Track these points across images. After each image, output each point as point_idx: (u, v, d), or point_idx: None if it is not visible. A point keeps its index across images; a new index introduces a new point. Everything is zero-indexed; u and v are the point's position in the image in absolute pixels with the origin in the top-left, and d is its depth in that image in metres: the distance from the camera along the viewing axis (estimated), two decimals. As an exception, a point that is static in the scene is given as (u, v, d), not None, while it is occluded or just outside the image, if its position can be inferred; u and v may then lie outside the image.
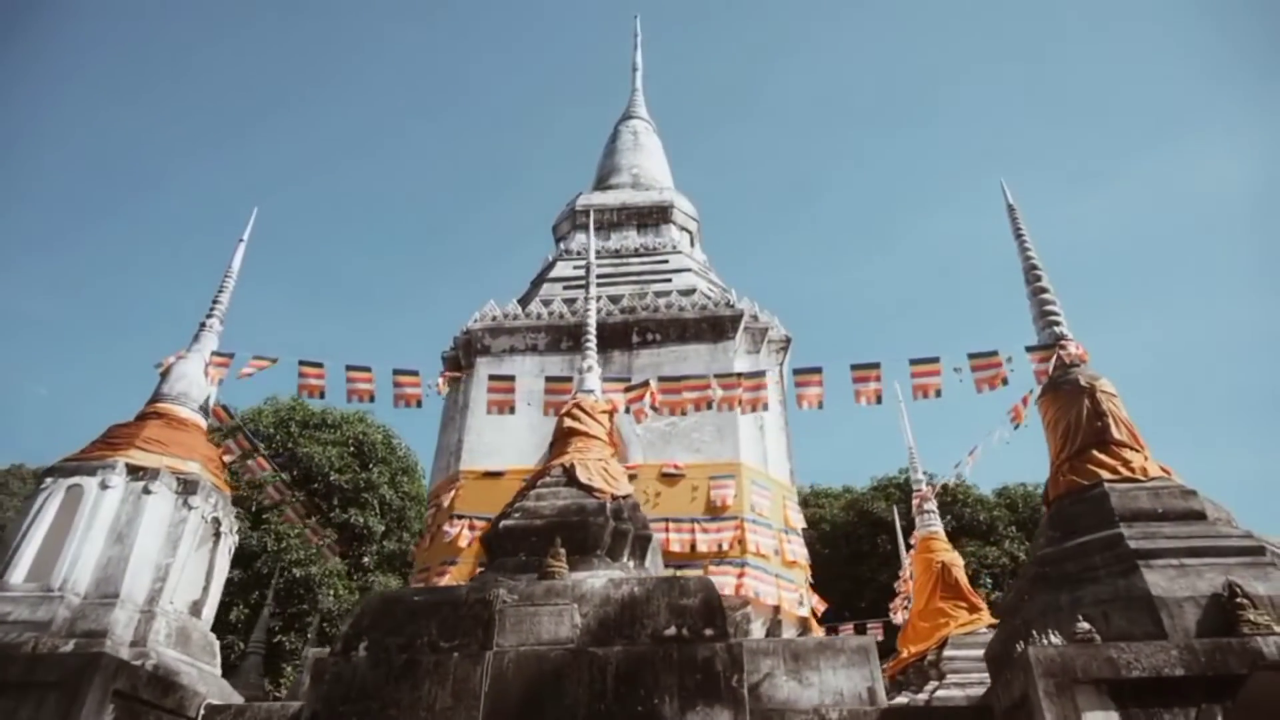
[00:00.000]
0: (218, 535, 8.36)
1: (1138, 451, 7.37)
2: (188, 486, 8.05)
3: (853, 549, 29.48)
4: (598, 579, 6.35)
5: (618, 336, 11.62)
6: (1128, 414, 7.74)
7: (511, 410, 9.24)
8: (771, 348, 12.00)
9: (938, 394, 8.76)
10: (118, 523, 7.53)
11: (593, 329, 9.13)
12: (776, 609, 9.63)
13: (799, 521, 10.48)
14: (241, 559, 22.25)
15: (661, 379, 9.14)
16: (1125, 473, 7.08)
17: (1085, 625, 5.83)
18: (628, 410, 8.81)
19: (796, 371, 9.47)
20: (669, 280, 12.74)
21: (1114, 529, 6.57)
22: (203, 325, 9.58)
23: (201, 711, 6.97)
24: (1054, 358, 8.22)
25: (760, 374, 9.42)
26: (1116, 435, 7.43)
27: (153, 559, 7.59)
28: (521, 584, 6.37)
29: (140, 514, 7.61)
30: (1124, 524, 6.61)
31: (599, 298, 12.25)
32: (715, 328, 11.50)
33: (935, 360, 8.68)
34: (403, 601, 6.37)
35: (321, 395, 9.48)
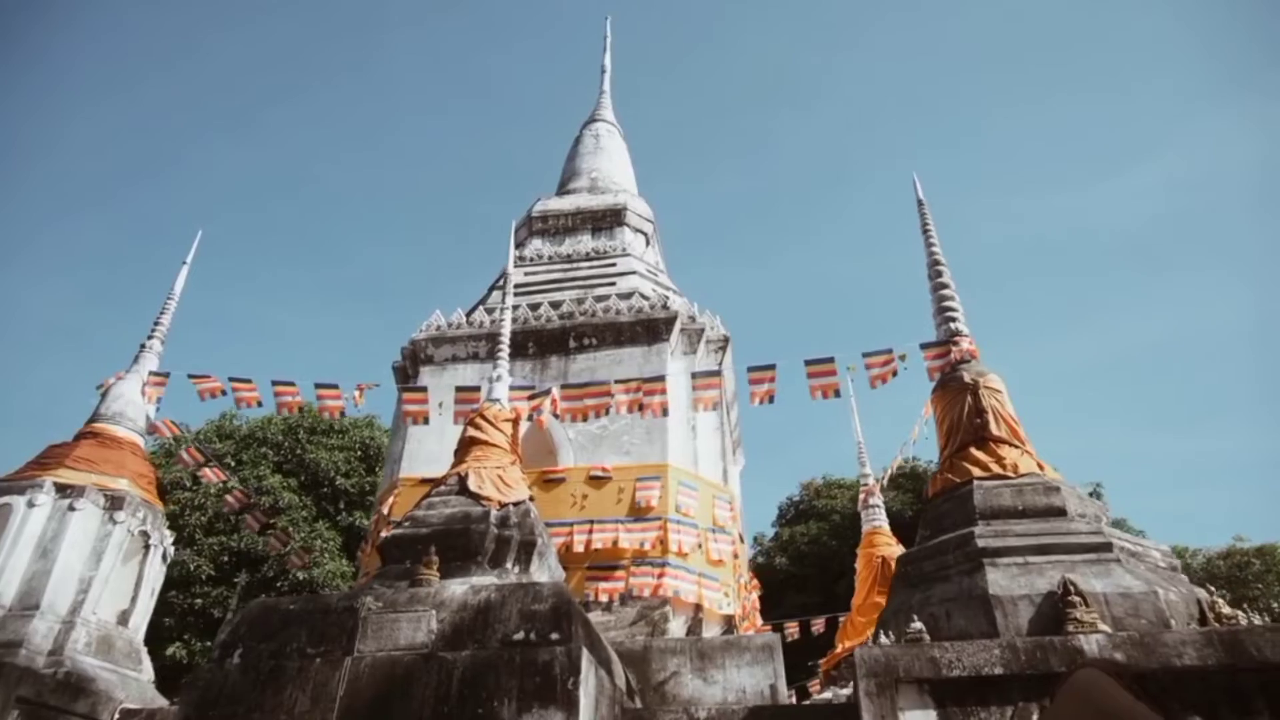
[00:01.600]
0: (147, 547, 8.82)
1: (1016, 448, 7.38)
2: (114, 502, 8.52)
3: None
4: (460, 586, 6.62)
5: (556, 342, 11.86)
6: (1012, 409, 7.74)
7: (425, 420, 9.55)
8: (710, 348, 12.12)
9: (835, 394, 8.84)
10: (43, 539, 8.03)
11: (506, 338, 9.38)
12: (698, 607, 9.80)
13: (728, 521, 10.60)
14: (250, 562, 23.18)
15: (565, 386, 9.37)
16: (996, 470, 7.11)
17: (918, 625, 5.92)
18: (530, 418, 9.06)
19: (751, 369, 9.66)
20: (613, 284, 12.92)
21: (971, 527, 6.63)
22: (143, 346, 10.08)
23: (116, 715, 7.41)
24: (949, 354, 8.25)
25: (660, 378, 9.59)
26: (995, 432, 7.44)
27: (76, 572, 8.08)
28: (390, 591, 6.67)
29: (65, 530, 8.10)
30: (982, 522, 6.66)
31: (540, 304, 12.55)
32: (650, 330, 11.66)
33: (830, 360, 8.77)
34: (278, 610, 6.71)
35: (259, 404, 9.95)
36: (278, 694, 6.11)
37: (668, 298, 12.17)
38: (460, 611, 6.37)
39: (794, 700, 11.94)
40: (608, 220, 14.70)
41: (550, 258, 14.13)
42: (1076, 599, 5.74)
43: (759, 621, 11.86)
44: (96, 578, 8.13)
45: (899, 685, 5.53)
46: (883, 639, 5.93)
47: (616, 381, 9.57)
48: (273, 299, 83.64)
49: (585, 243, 14.39)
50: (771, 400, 9.55)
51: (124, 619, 8.41)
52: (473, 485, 7.82)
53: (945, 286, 8.80)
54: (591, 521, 10.14)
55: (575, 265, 13.78)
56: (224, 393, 9.81)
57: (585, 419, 9.61)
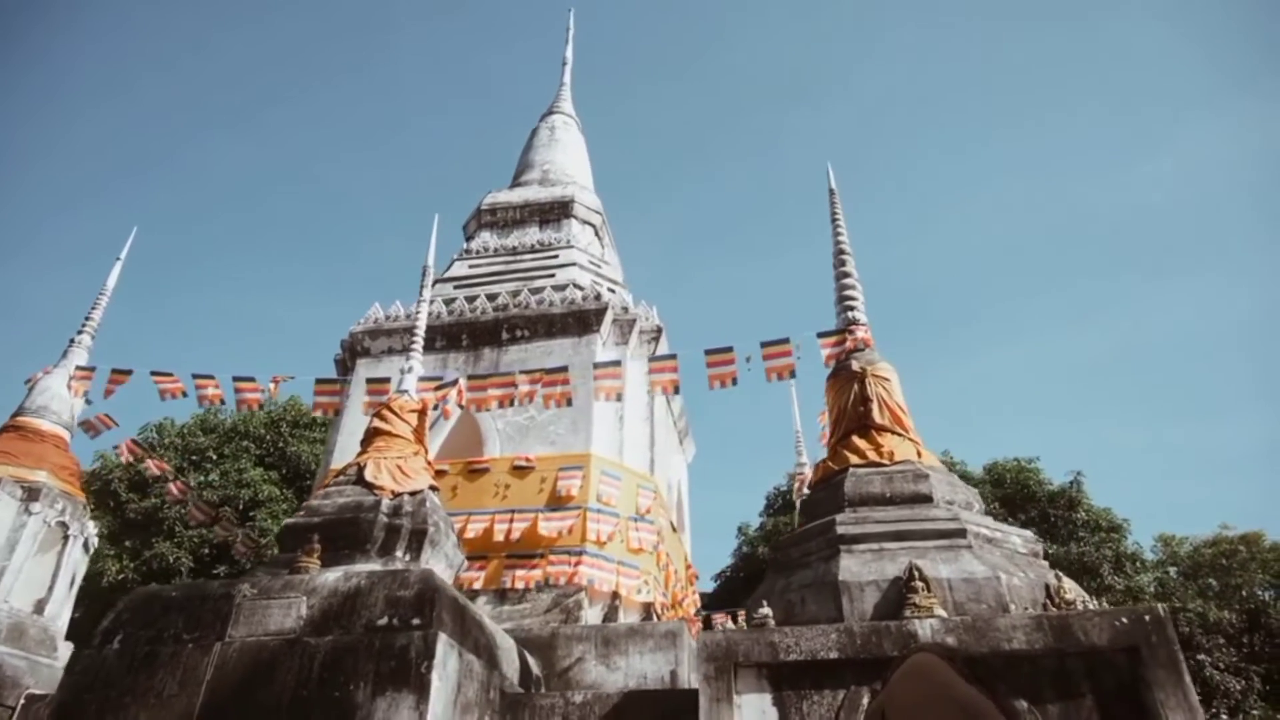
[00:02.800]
0: (66, 538, 9.03)
1: (899, 435, 7.42)
2: (30, 494, 8.73)
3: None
4: (335, 573, 6.76)
5: (489, 334, 11.97)
6: (900, 398, 7.78)
7: (337, 412, 9.71)
8: (643, 338, 12.19)
9: (734, 382, 8.91)
10: (-44, 530, 8.23)
11: (420, 332, 9.52)
12: (615, 595, 9.91)
13: (654, 509, 10.70)
14: (230, 556, 23.51)
15: (471, 377, 9.49)
16: (873, 457, 7.16)
17: (765, 610, 6.00)
18: (437, 407, 9.19)
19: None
20: (552, 275, 13.02)
21: (838, 514, 6.69)
22: (72, 341, 10.27)
23: (21, 701, 7.63)
24: (844, 343, 8.29)
25: (562, 369, 9.68)
26: (878, 420, 7.49)
27: (-10, 561, 8.28)
28: (268, 579, 6.82)
29: (-23, 521, 8.30)
30: (849, 509, 6.73)
31: (477, 297, 12.67)
32: (581, 321, 11.75)
33: (729, 350, 8.83)
34: (160, 597, 6.88)
35: (184, 395, 10.13)
36: (150, 678, 6.28)
37: (600, 290, 12.25)
38: (330, 598, 6.51)
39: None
40: (555, 212, 14.78)
41: (496, 250, 14.24)
42: (919, 584, 5.80)
43: (692, 610, 11.97)
44: (9, 568, 8.35)
45: (738, 669, 5.62)
46: (728, 625, 6.01)
47: (521, 371, 9.69)
48: (273, 294, 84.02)
49: (532, 235, 14.49)
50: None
51: (39, 608, 8.61)
52: (368, 475, 7.96)
53: (848, 275, 8.83)
54: (513, 511, 10.27)
55: (519, 258, 13.88)
56: (184, 394, 9.99)
57: (489, 409, 9.74)
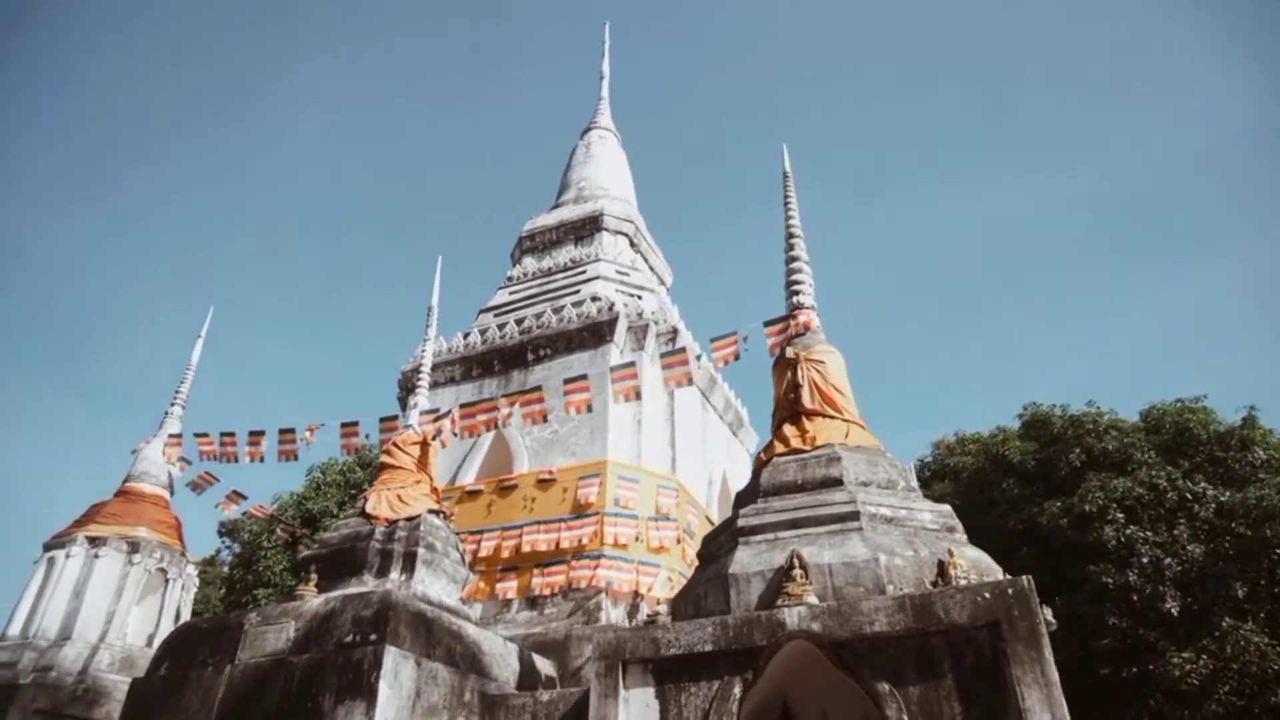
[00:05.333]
0: (166, 581, 10.74)
1: (830, 418, 7.35)
2: (132, 547, 10.49)
3: (985, 496, 27.66)
4: (319, 598, 7.72)
5: (516, 357, 12.74)
6: (838, 379, 7.67)
7: (357, 452, 10.79)
8: (660, 340, 12.47)
9: (690, 381, 9.06)
10: (77, 583, 10.10)
11: (426, 369, 10.44)
12: (636, 594, 10.32)
13: (672, 508, 10.99)
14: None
15: (463, 406, 10.22)
16: (796, 444, 7.15)
17: (660, 609, 6.26)
18: (436, 437, 9.98)
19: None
20: (578, 292, 13.60)
21: (744, 507, 6.79)
22: (166, 414, 12.12)
23: None
24: (788, 330, 8.27)
25: (535, 389, 10.17)
26: (808, 405, 7.45)
27: (103, 606, 10.08)
28: (272, 607, 7.90)
29: (92, 574, 10.14)
30: (761, 499, 6.80)
31: (507, 323, 13.49)
32: (595, 334, 12.25)
33: (682, 351, 9.00)
34: (196, 629, 8.15)
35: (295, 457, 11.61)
36: (180, 697, 7.50)
37: (615, 301, 12.68)
38: (311, 620, 7.46)
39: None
40: (587, 228, 15.36)
41: (533, 274, 15.03)
42: (798, 572, 5.84)
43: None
44: (119, 609, 10.10)
45: (626, 665, 5.93)
46: (621, 623, 6.31)
47: (504, 395, 10.34)
48: (343, 341, 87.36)
49: (565, 254, 15.15)
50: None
51: (150, 641, 10.32)
52: (369, 507, 8.91)
53: (796, 260, 8.75)
54: (539, 522, 10.95)
55: (552, 278, 14.59)
56: (236, 457, 11.51)
57: (476, 434, 10.45)
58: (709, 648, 5.70)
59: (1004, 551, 25.05)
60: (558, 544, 10.69)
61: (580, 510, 10.85)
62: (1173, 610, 17.39)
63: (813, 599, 5.67)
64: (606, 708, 5.80)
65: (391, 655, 6.82)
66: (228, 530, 32.78)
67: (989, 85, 76.28)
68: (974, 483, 29.02)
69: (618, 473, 11.03)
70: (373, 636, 7.03)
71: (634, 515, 10.77)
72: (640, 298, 13.53)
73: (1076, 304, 68.25)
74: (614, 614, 10.31)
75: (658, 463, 11.51)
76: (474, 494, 11.70)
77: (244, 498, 12.90)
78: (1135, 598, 18.06)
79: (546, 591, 10.49)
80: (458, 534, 11.15)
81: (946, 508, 6.50)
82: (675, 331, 12.49)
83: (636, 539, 10.63)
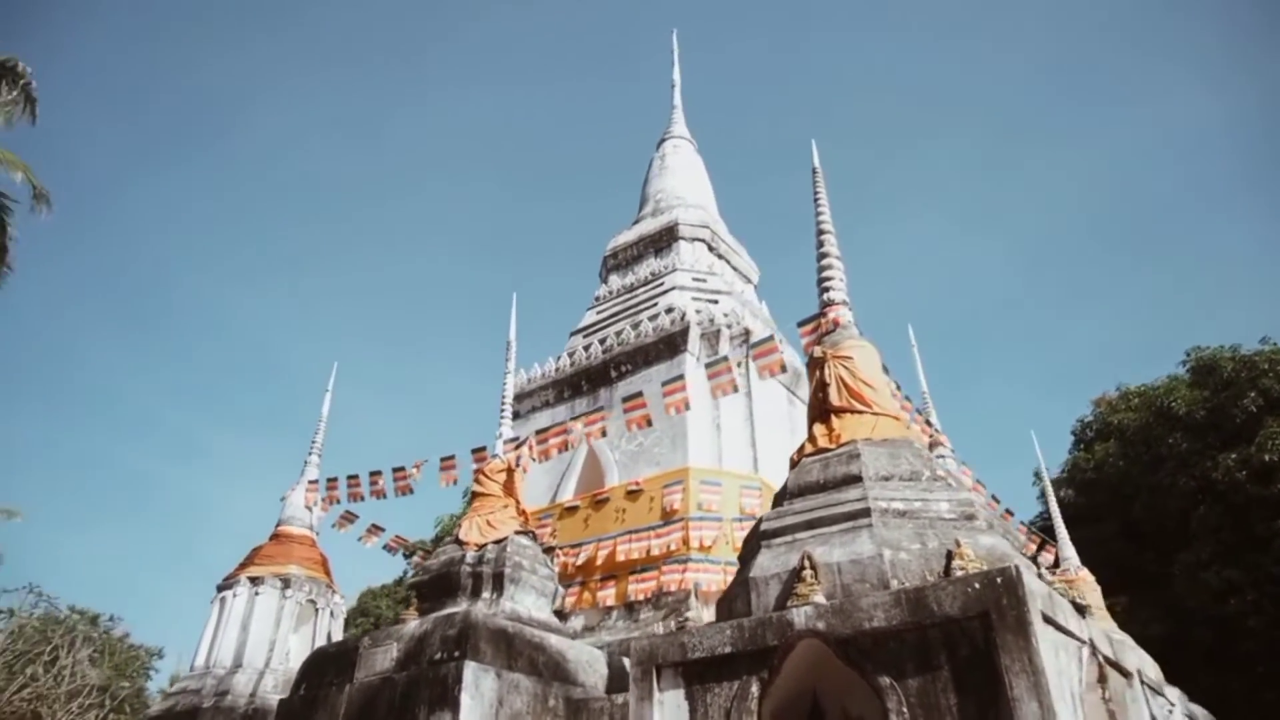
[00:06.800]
0: (316, 611, 12.23)
1: (858, 413, 7.42)
2: (285, 583, 12.04)
3: (1152, 453, 25.30)
4: (415, 621, 8.66)
5: (601, 375, 13.39)
6: (867, 374, 7.69)
7: (455, 482, 11.74)
8: (734, 344, 12.71)
9: (734, 389, 9.26)
10: (243, 617, 11.74)
11: (508, 400, 11.25)
12: (723, 594, 10.66)
13: (756, 508, 11.20)
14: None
15: (539, 432, 10.91)
16: (823, 444, 7.28)
17: (692, 614, 6.63)
18: (518, 463, 10.73)
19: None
20: (655, 305, 14.07)
21: (776, 508, 7.02)
22: (306, 462, 13.74)
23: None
24: (820, 328, 8.37)
25: (598, 409, 10.66)
26: (835, 402, 7.54)
27: (266, 636, 11.66)
28: (380, 631, 8.94)
29: (254, 609, 11.75)
30: (786, 501, 7.00)
31: (591, 343, 14.17)
32: (670, 345, 12.68)
33: (725, 359, 9.24)
34: (326, 653, 9.35)
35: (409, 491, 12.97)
36: (315, 714, 8.67)
37: (687, 311, 13.05)
38: (409, 642, 8.41)
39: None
40: (664, 239, 15.80)
41: (618, 291, 15.65)
42: (808, 572, 6.04)
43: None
44: (278, 638, 11.64)
45: (660, 669, 6.35)
46: (657, 628, 6.72)
47: (572, 419, 10.94)
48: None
49: (645, 268, 15.67)
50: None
51: (307, 663, 11.78)
52: (461, 534, 9.83)
53: (826, 255, 8.78)
54: (630, 532, 11.54)
55: (634, 294, 15.15)
56: (362, 496, 12.93)
57: (549, 457, 11.11)
58: (728, 650, 6.01)
59: (1178, 512, 23.16)
60: (648, 551, 11.21)
61: (667, 517, 11.33)
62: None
63: (820, 598, 5.85)
64: (643, 709, 6.25)
65: (471, 669, 7.61)
66: (409, 554, 36.03)
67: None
68: (1139, 440, 26.80)
69: (699, 478, 11.42)
70: (456, 653, 7.85)
71: (718, 518, 11.12)
72: (716, 302, 13.82)
73: (1240, 235, 60.89)
74: (706, 614, 10.68)
75: (739, 464, 11.79)
76: (572, 509, 12.46)
77: (382, 530, 14.37)
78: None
79: (641, 597, 11.03)
80: (560, 548, 11.99)
81: (968, 495, 6.44)
82: (748, 333, 12.70)
83: (720, 541, 10.95)
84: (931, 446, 12.14)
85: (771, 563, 6.46)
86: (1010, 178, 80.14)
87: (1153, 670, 10.08)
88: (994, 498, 12.89)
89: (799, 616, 5.77)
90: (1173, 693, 12.92)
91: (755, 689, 5.83)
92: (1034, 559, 14.28)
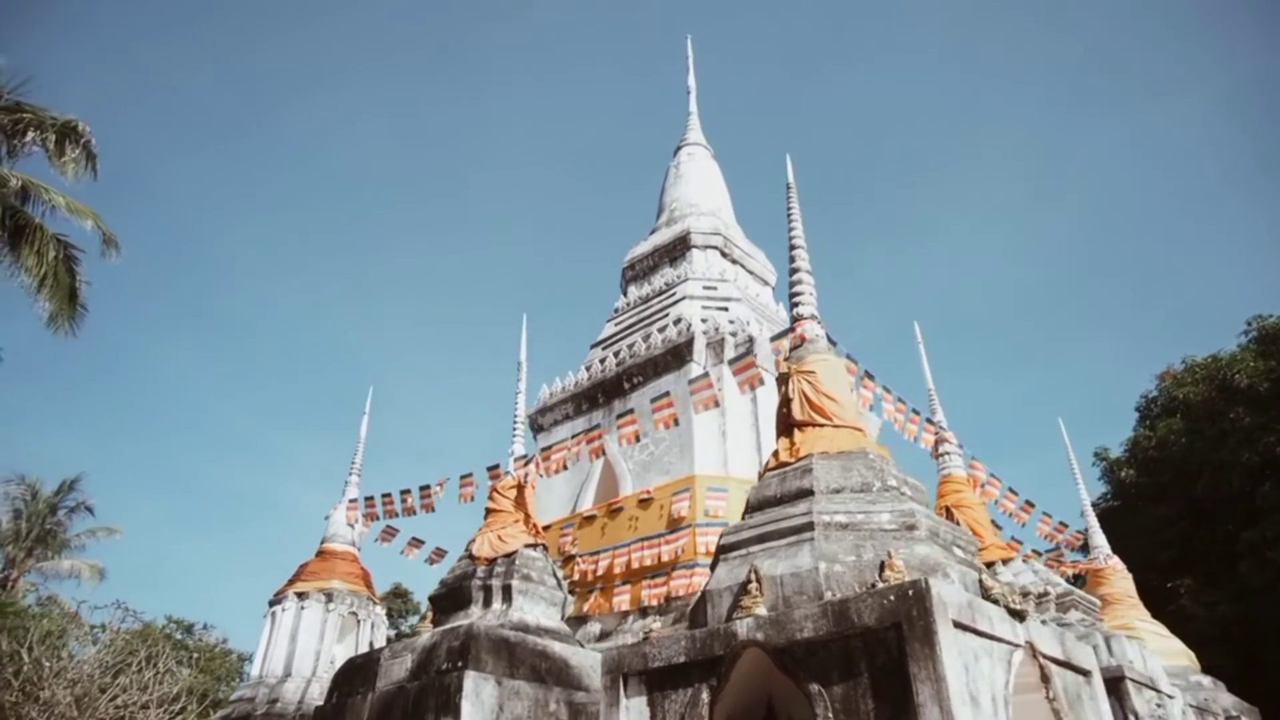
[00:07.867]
0: (359, 622, 13.12)
1: (818, 426, 7.70)
2: (328, 597, 12.96)
3: (1216, 428, 24.21)
4: (427, 633, 9.33)
5: (615, 388, 13.87)
6: (830, 386, 7.96)
7: (472, 499, 12.38)
8: (739, 351, 13.00)
9: (716, 404, 9.58)
10: (292, 630, 12.70)
11: (521, 418, 11.87)
12: (731, 597, 11.01)
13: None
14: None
15: (543, 449, 11.43)
16: (784, 458, 7.60)
17: (655, 625, 7.05)
18: (526, 478, 11.28)
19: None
20: (666, 315, 14.48)
21: (737, 522, 7.38)
22: (346, 482, 14.67)
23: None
24: (790, 344, 8.66)
25: (595, 428, 11.09)
26: (798, 417, 7.84)
27: (313, 647, 12.58)
28: (399, 643, 9.66)
29: (301, 622, 12.69)
30: (747, 515, 7.36)
31: (606, 357, 14.66)
32: (676, 355, 13.07)
33: (705, 376, 9.56)
34: (354, 663, 10.11)
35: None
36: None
37: (693, 321, 13.42)
38: (421, 653, 9.08)
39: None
40: (678, 248, 16.17)
41: (635, 302, 16.10)
42: (753, 585, 6.41)
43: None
44: (323, 649, 12.55)
45: (626, 677, 6.82)
46: (625, 639, 7.18)
47: (573, 436, 11.44)
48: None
49: (662, 277, 16.06)
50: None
51: (351, 671, 12.67)
52: (474, 549, 10.47)
53: (797, 270, 9.04)
54: (642, 539, 12.02)
55: (648, 304, 15.58)
56: (396, 513, 13.73)
57: (556, 472, 11.62)
58: (683, 659, 6.44)
59: (1241, 490, 22.23)
60: (659, 558, 11.66)
61: (675, 524, 11.76)
62: None
63: (761, 610, 6.22)
64: (612, 715, 6.73)
65: (471, 678, 8.22)
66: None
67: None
68: (1203, 414, 25.71)
69: (706, 485, 11.80)
70: (459, 663, 8.48)
71: (723, 524, 11.45)
72: (726, 309, 14.13)
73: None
74: (713, 618, 11.09)
75: (745, 469, 12.11)
76: (590, 519, 13.01)
77: (422, 543, 15.18)
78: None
79: (653, 602, 11.49)
80: (579, 555, 12.54)
81: (910, 506, 6.68)
82: (751, 341, 12.98)
83: (726, 546, 11.30)
84: (937, 445, 12.26)
85: (726, 576, 6.85)
86: (1074, 148, 77.17)
87: (1155, 664, 10.02)
88: (1011, 490, 12.86)
89: (742, 628, 6.16)
90: (1206, 681, 12.68)
91: (706, 696, 6.25)
92: (1060, 549, 14.15)
